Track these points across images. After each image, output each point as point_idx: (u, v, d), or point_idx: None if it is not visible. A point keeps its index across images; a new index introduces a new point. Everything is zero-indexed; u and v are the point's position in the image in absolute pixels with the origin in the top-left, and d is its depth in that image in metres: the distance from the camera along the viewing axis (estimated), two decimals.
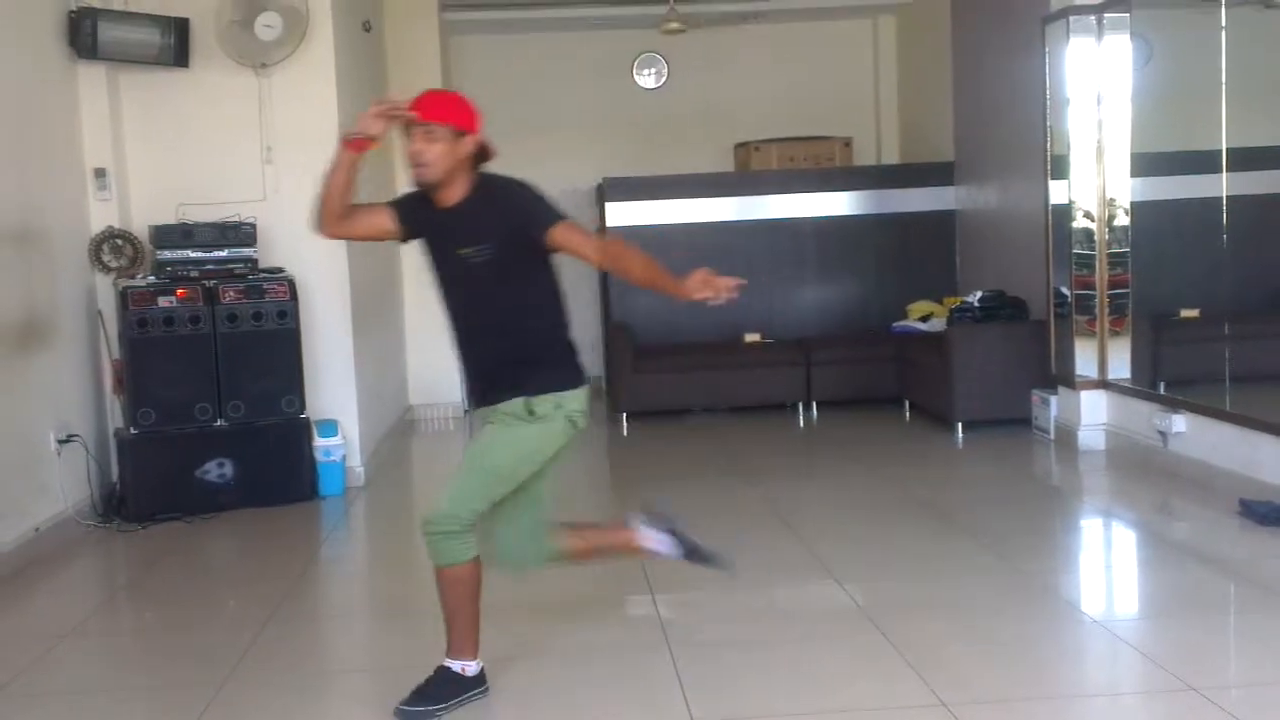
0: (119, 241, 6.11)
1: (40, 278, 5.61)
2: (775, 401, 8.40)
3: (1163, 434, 5.95)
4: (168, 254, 6.06)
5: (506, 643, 3.70)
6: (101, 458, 6.03)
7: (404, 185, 3.68)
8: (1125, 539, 5.36)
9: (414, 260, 9.28)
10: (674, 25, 9.56)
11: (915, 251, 8.98)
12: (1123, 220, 6.50)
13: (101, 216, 6.14)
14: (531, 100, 10.01)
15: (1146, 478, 5.97)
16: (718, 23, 9.82)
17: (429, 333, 9.18)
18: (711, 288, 3.20)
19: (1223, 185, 5.61)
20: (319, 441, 6.20)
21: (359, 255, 6.69)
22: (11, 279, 5.33)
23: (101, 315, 6.12)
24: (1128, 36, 6.39)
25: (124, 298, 5.89)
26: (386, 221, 3.45)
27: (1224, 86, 5.52)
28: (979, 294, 7.56)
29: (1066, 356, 6.72)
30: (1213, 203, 5.65)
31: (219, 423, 5.89)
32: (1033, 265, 7.19)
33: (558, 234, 3.34)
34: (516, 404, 3.33)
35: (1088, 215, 6.58)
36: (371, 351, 7.24)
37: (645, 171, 9.24)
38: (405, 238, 3.49)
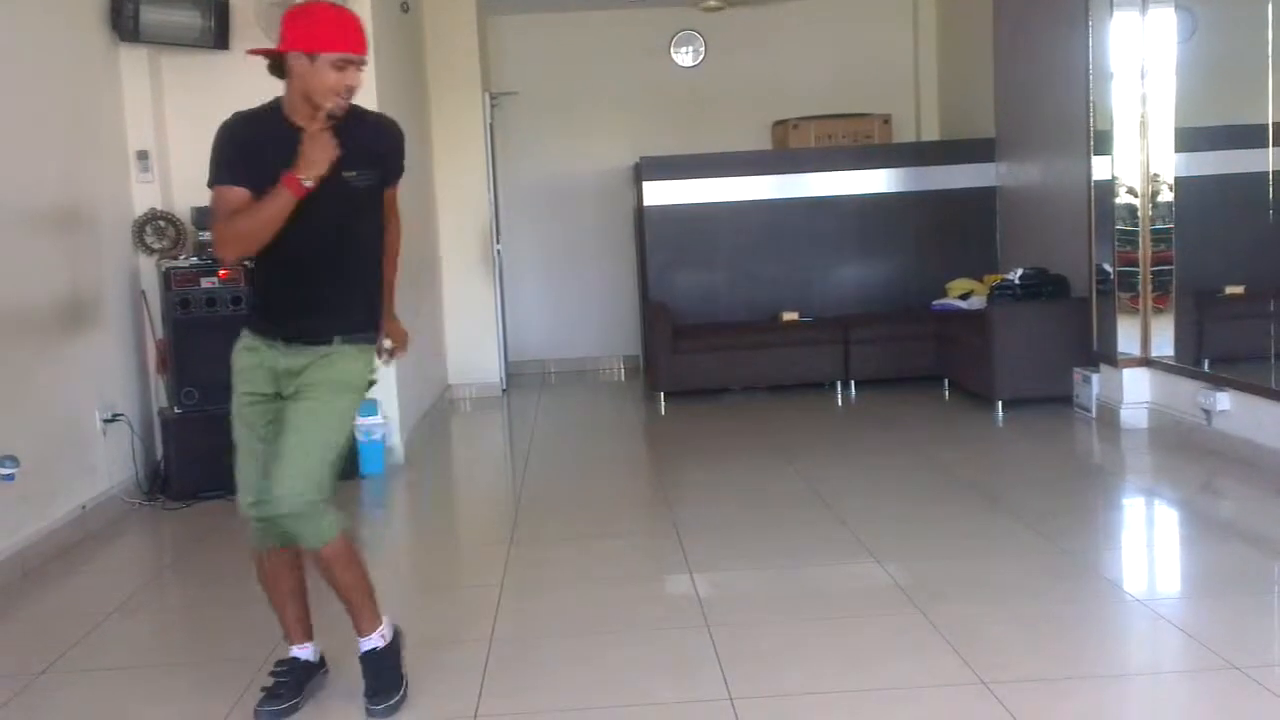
0: (161, 223, 6.18)
1: (85, 260, 5.68)
2: (814, 380, 8.38)
3: (1206, 412, 5.88)
4: (209, 235, 6.11)
5: (544, 618, 3.72)
6: (146, 437, 6.12)
7: None
8: (1168, 518, 5.31)
9: (452, 242, 9.37)
10: (712, 3, 9.55)
11: (955, 229, 8.92)
12: (1166, 196, 6.42)
13: (144, 199, 6.21)
14: (569, 80, 10.01)
15: (1189, 456, 5.91)
16: (755, 0, 9.76)
17: (469, 312, 9.25)
18: (399, 348, 3.40)
19: (1269, 160, 5.52)
20: (359, 421, 6.23)
21: None
22: (57, 261, 5.40)
23: (145, 296, 6.19)
24: (1172, 9, 6.31)
25: (167, 279, 5.95)
26: (249, 198, 3.08)
27: (1270, 59, 5.42)
28: (1020, 271, 7.51)
29: (1109, 334, 6.65)
30: (1259, 178, 5.57)
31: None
32: (1075, 242, 7.12)
33: (395, 188, 3.36)
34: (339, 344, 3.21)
35: (1131, 191, 6.51)
36: (411, 330, 7.26)
37: (683, 150, 9.23)
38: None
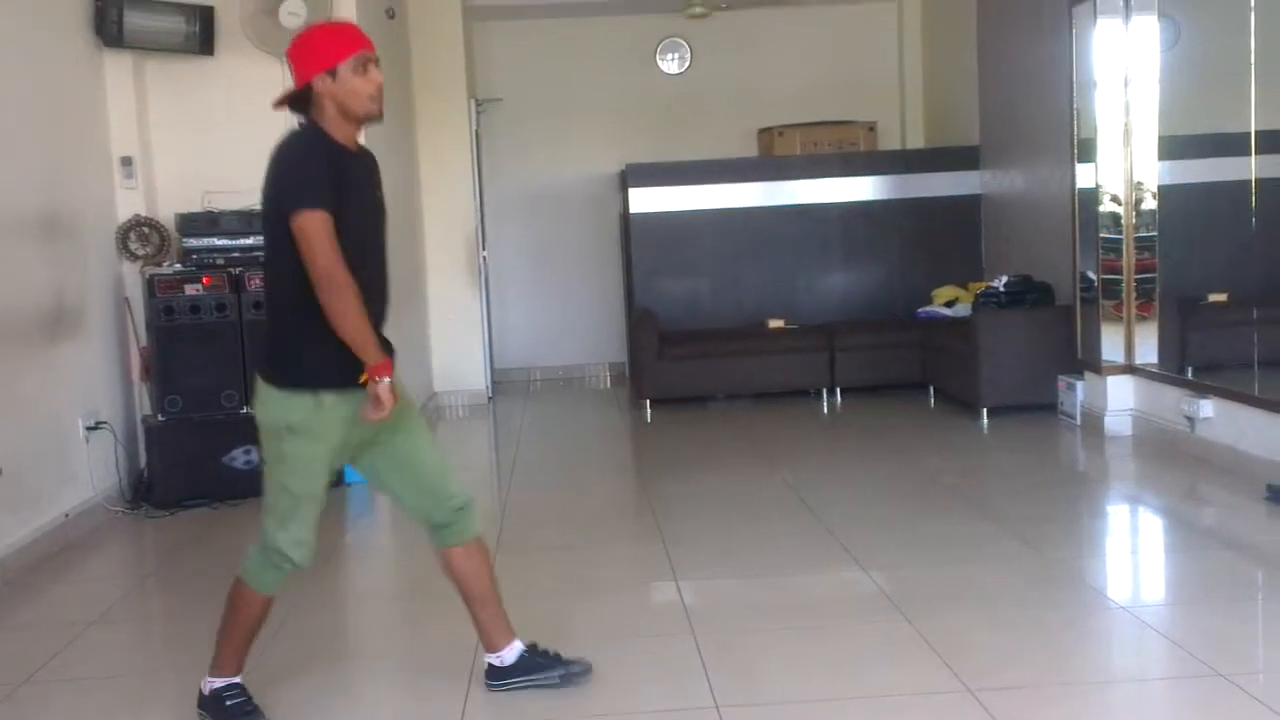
0: (145, 229, 6.16)
1: (68, 266, 5.65)
2: (799, 388, 8.39)
3: (1190, 419, 5.91)
4: (194, 242, 6.10)
5: (530, 627, 3.70)
6: (129, 444, 6.09)
7: None
8: (1152, 525, 5.33)
9: (437, 248, 9.35)
10: (698, 9, 9.55)
11: (940, 236, 8.95)
12: (1150, 204, 6.45)
13: (128, 205, 6.20)
14: (554, 86, 10.01)
15: (1173, 463, 5.93)
16: (740, 7, 9.79)
17: (453, 320, 9.25)
18: (380, 409, 3.13)
19: (1252, 168, 5.55)
20: None
21: None
22: (40, 267, 5.38)
23: (129, 303, 6.17)
24: (1155, 17, 6.34)
25: (151, 285, 5.93)
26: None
27: (1253, 67, 5.46)
28: (1004, 279, 7.53)
29: (1093, 341, 6.68)
30: (1241, 186, 5.60)
31: (245, 409, 5.92)
32: (1059, 250, 7.15)
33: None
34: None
35: (1114, 199, 6.54)
36: (396, 338, 7.25)
37: (668, 157, 9.24)
38: None
